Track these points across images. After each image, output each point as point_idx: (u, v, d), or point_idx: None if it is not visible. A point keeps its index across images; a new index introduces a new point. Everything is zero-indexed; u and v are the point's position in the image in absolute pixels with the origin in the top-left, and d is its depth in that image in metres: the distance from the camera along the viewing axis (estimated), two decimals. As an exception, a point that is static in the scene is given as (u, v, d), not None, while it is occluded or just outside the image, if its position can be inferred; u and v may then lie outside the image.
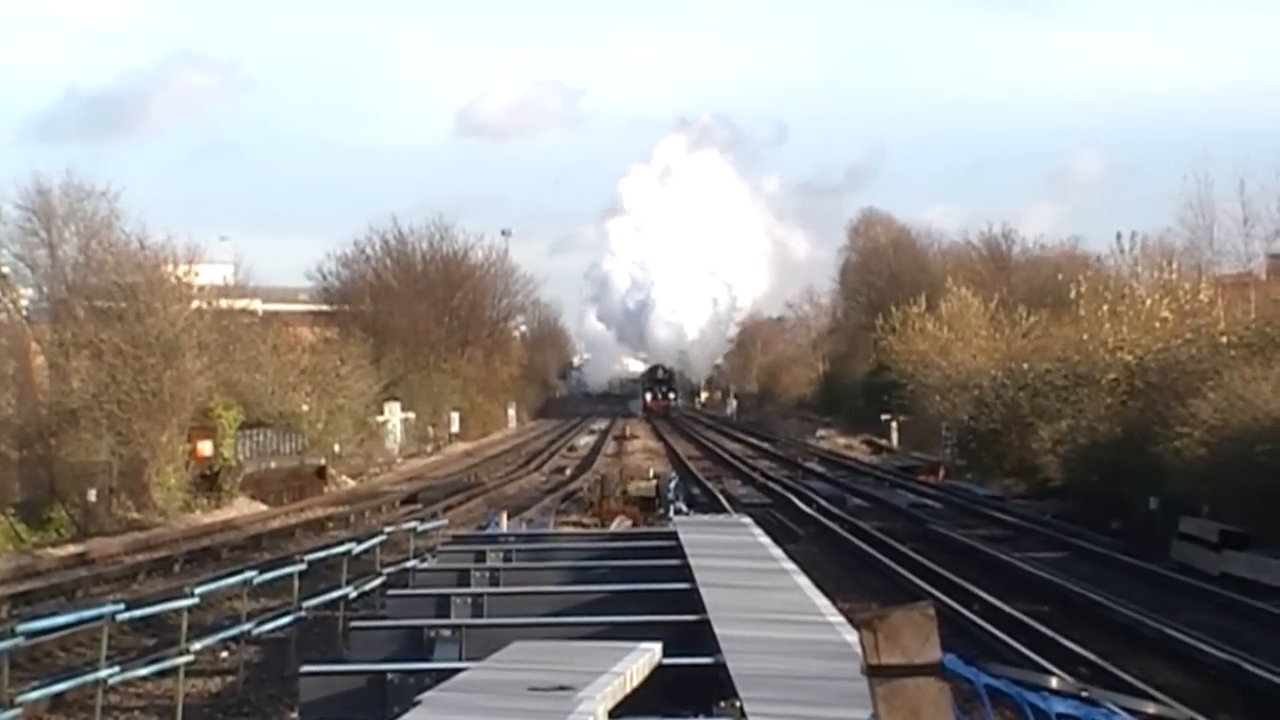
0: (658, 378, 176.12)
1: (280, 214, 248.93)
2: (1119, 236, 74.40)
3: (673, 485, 58.06)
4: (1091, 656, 28.13)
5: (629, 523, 47.10)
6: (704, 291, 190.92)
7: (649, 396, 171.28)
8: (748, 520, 35.79)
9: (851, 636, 15.00)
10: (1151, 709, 2.96)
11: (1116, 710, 2.78)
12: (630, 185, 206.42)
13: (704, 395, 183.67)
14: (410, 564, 33.22)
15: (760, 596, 20.65)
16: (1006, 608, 34.14)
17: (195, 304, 70.55)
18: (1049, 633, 30.91)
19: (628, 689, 13.87)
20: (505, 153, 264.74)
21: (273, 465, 73.29)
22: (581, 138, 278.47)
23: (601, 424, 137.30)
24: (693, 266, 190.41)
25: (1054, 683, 3.15)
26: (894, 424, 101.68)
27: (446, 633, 19.35)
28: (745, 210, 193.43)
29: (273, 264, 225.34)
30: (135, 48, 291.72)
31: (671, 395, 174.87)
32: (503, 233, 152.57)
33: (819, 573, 27.06)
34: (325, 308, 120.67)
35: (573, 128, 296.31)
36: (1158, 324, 58.85)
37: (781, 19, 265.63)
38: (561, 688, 13.11)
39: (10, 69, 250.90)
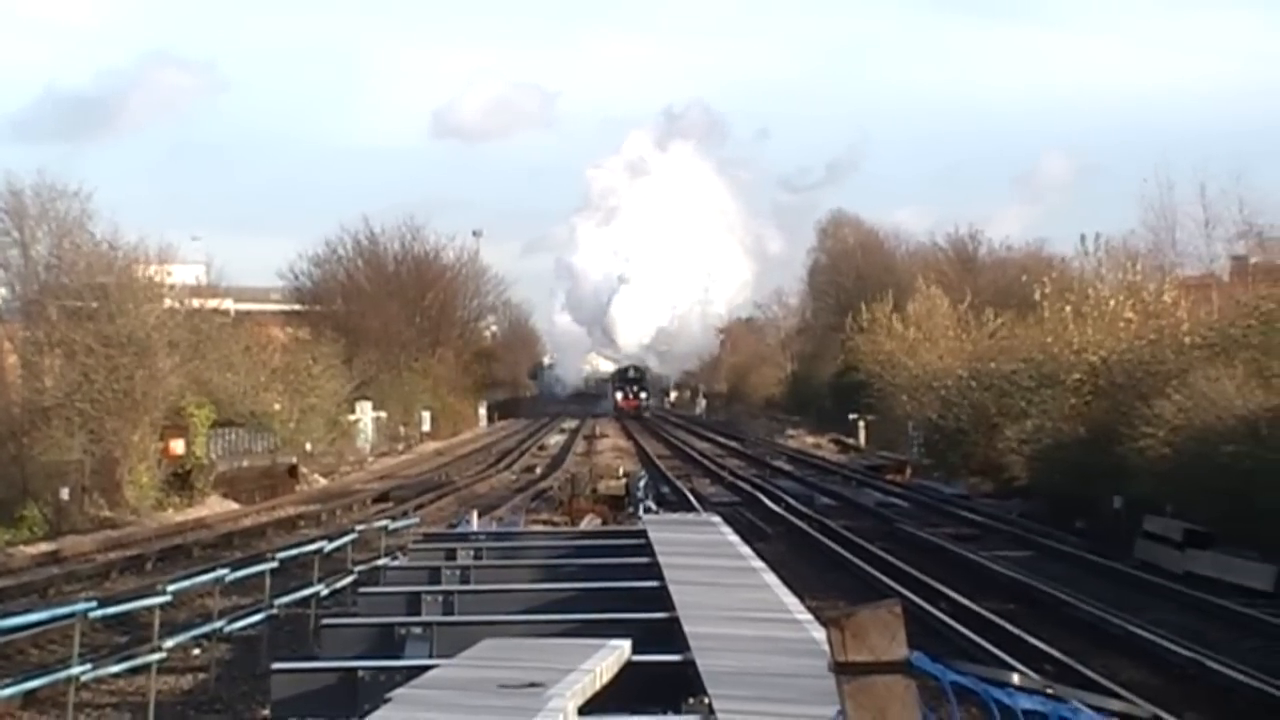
0: (628, 377, 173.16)
1: (253, 214, 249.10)
2: (1083, 239, 74.69)
3: (642, 484, 58.08)
4: (1057, 654, 28.19)
5: (599, 521, 47.15)
6: (676, 288, 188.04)
7: (619, 396, 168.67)
8: (717, 519, 35.82)
9: (819, 634, 15.02)
10: (1116, 706, 2.97)
11: (1081, 707, 2.79)
12: (600, 177, 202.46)
13: (674, 395, 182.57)
14: (381, 562, 33.22)
15: (729, 594, 20.67)
16: (973, 606, 34.19)
17: (167, 303, 70.56)
18: (1015, 630, 30.96)
19: (597, 686, 13.88)
20: (481, 154, 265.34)
21: (245, 464, 73.21)
22: (558, 139, 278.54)
23: (572, 423, 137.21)
24: (665, 263, 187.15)
25: (1019, 680, 3.16)
26: (861, 423, 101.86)
27: (417, 630, 19.35)
28: (721, 206, 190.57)
29: (245, 264, 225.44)
30: (113, 47, 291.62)
31: (643, 395, 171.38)
32: (474, 233, 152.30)
33: (787, 571, 27.08)
34: (297, 307, 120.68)
35: (548, 129, 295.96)
36: (1122, 325, 58.99)
37: (755, 21, 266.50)
38: (532, 685, 13.11)
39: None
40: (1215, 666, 27.26)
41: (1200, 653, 28.46)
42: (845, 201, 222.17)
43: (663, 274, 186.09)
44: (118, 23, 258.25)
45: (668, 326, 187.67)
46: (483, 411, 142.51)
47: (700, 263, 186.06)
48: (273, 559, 33.47)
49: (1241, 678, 26.28)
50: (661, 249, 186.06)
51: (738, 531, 32.10)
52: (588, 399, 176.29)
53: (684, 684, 14.41)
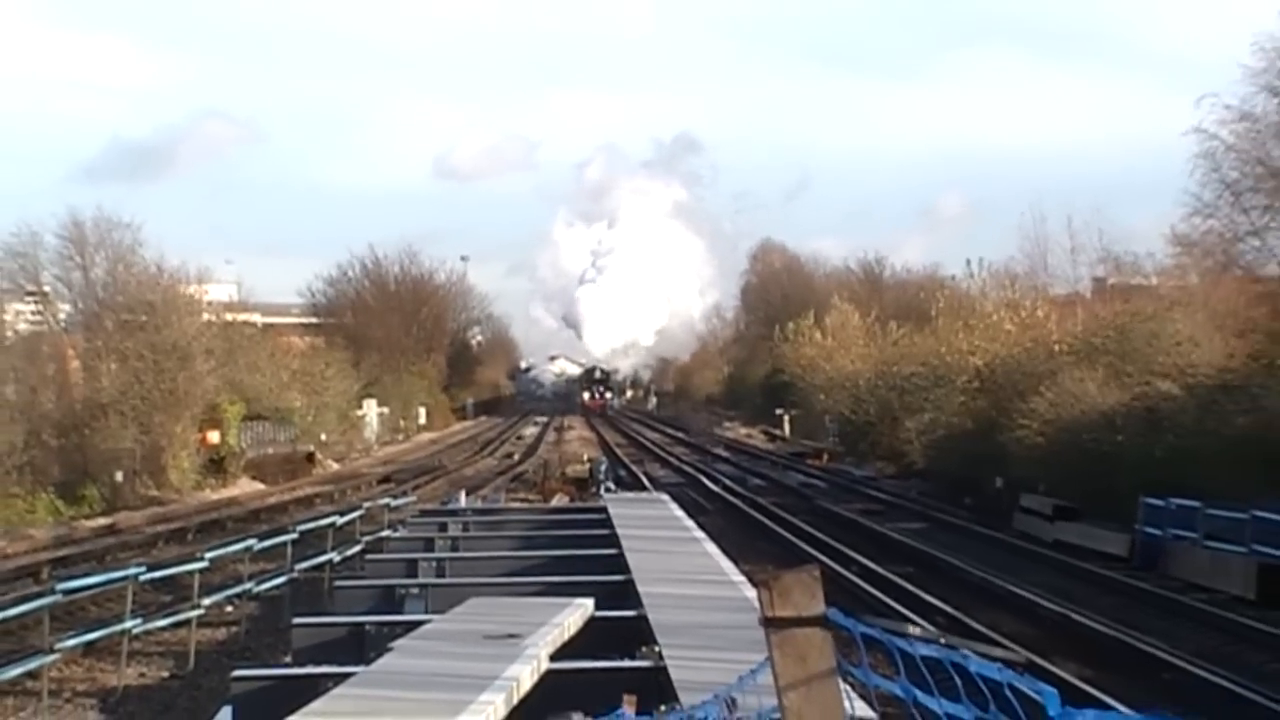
0: (594, 378, 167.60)
1: (278, 242, 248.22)
2: (969, 263, 74.92)
3: (603, 468, 58.06)
4: (949, 609, 28.25)
5: (567, 499, 47.04)
6: (636, 300, 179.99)
7: (586, 396, 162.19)
8: (665, 497, 35.84)
9: (751, 593, 15.02)
10: (997, 653, 2.97)
11: (969, 654, 2.79)
12: (569, 209, 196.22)
13: (629, 393, 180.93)
14: (385, 533, 33.14)
15: (676, 560, 20.67)
16: (879, 569, 34.25)
17: (205, 317, 70.74)
18: (914, 589, 31.02)
19: (566, 637, 13.86)
20: (472, 192, 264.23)
21: (270, 451, 73.00)
22: (538, 180, 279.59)
23: (545, 418, 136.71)
24: (627, 278, 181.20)
25: (917, 631, 3.16)
26: (786, 417, 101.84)
27: (415, 590, 19.31)
28: (680, 232, 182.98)
29: (270, 283, 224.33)
30: (170, 105, 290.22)
31: (608, 394, 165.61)
32: (462, 258, 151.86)
33: (725, 540, 27.09)
34: (314, 320, 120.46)
35: (530, 171, 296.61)
36: (1002, 335, 59.16)
37: (700, 81, 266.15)
38: (511, 636, 13.08)
39: (63, 122, 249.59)
40: (1080, 619, 27.36)
41: (1068, 608, 28.55)
42: (773, 231, 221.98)
43: (624, 288, 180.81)
44: (174, 84, 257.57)
45: (626, 335, 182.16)
46: (470, 405, 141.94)
47: (660, 277, 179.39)
48: (293, 531, 33.42)
49: (1101, 628, 26.38)
50: (624, 267, 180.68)
51: (683, 507, 32.12)
52: (559, 398, 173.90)
53: (638, 635, 14.39)
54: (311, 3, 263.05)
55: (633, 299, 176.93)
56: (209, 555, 29.19)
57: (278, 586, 31.16)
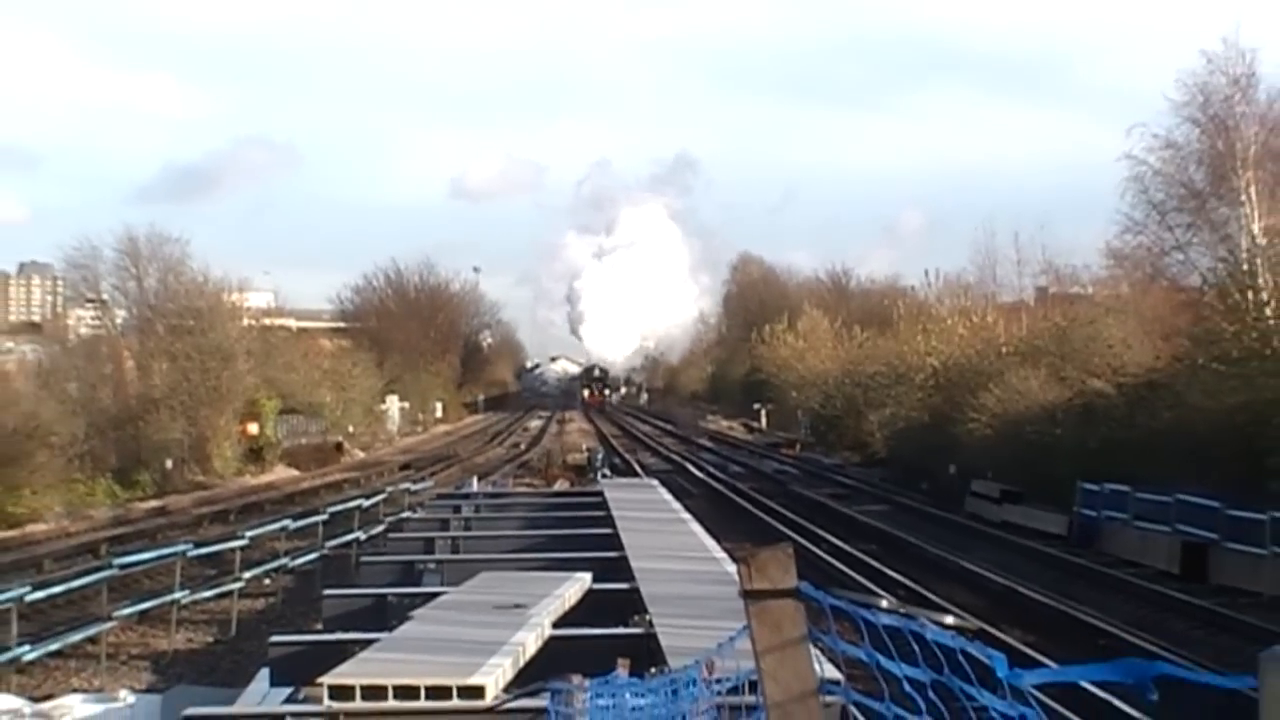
0: (594, 376, 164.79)
1: (310, 255, 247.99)
2: (927, 273, 74.98)
3: (600, 456, 58.10)
4: (908, 582, 28.27)
5: (567, 484, 47.02)
6: (631, 304, 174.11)
7: (586, 393, 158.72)
8: (655, 482, 35.80)
9: (731, 568, 15.02)
10: (950, 620, 2.97)
11: (927, 623, 2.79)
12: (571, 219, 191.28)
13: (622, 390, 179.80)
14: (405, 514, 33.14)
15: (664, 538, 20.65)
16: (845, 546, 34.27)
17: (245, 322, 70.82)
18: (877, 565, 31.05)
19: (566, 607, 13.86)
20: (485, 211, 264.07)
21: (302, 441, 73.04)
22: (545, 199, 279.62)
23: (548, 413, 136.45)
24: (624, 284, 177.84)
25: (883, 603, 3.16)
26: (763, 411, 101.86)
27: (432, 565, 19.29)
28: (673, 241, 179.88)
29: (303, 292, 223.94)
30: (217, 133, 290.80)
31: (606, 391, 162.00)
32: (474, 269, 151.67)
33: (708, 521, 27.07)
34: (342, 325, 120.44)
35: (538, 192, 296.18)
36: (956, 338, 59.18)
37: (692, 110, 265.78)
38: (517, 606, 13.07)
39: (121, 150, 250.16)
40: (1024, 591, 27.39)
41: (1013, 581, 28.59)
42: (756, 243, 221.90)
43: (621, 297, 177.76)
44: (220, 114, 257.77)
45: (625, 340, 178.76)
46: (480, 401, 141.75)
47: (653, 287, 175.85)
48: (324, 512, 33.47)
49: (1043, 599, 26.41)
50: (620, 279, 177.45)
51: (671, 491, 32.10)
52: (561, 395, 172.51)
53: (631, 605, 14.39)
54: (343, 40, 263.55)
55: (629, 303, 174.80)
56: (249, 534, 29.20)
57: (310, 562, 31.19)
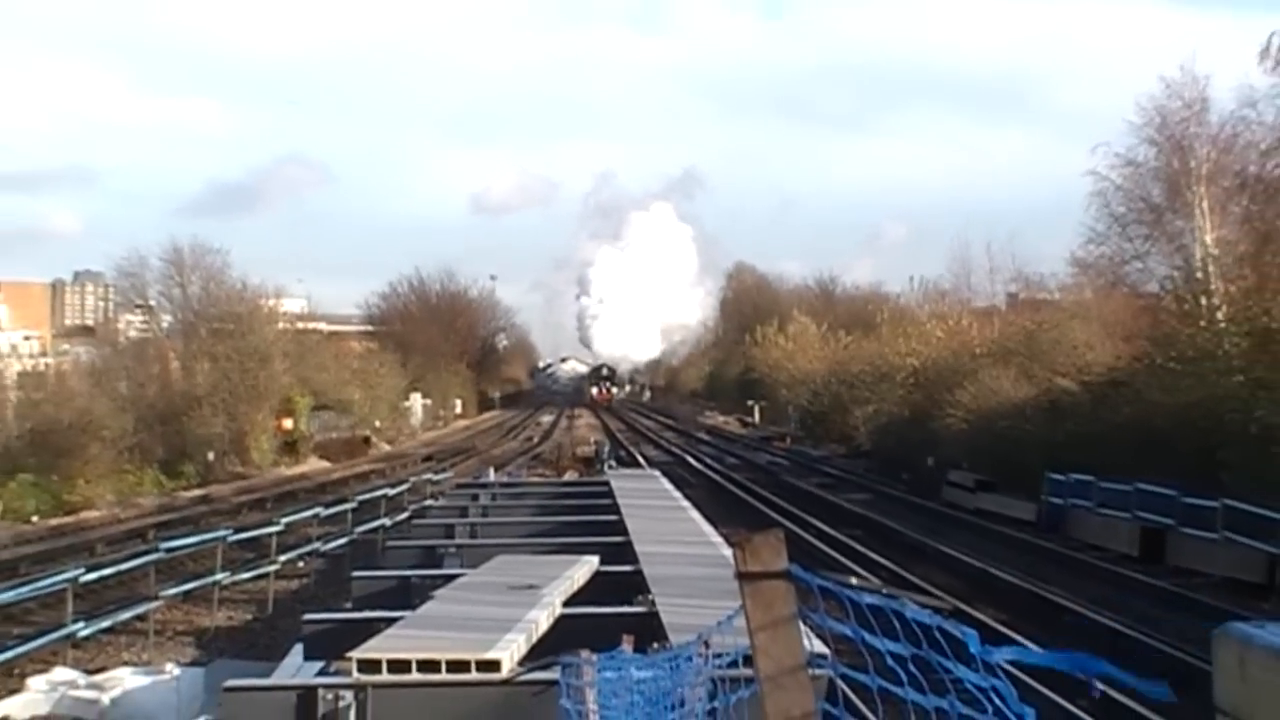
0: (602, 375, 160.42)
1: (341, 264, 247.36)
2: (910, 279, 75.03)
3: (606, 449, 58.01)
4: (889, 565, 28.27)
5: (576, 474, 46.98)
6: (640, 309, 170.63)
7: (594, 390, 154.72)
8: (657, 473, 35.84)
9: (728, 552, 15.00)
10: (929, 600, 2.97)
11: (907, 602, 2.79)
12: (580, 228, 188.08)
13: (626, 388, 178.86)
14: (427, 502, 33.10)
15: (666, 524, 20.65)
16: (832, 532, 34.27)
17: (281, 326, 70.85)
18: (861, 549, 31.05)
19: (575, 588, 13.85)
20: (502, 224, 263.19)
21: (333, 435, 73.04)
22: (557, 213, 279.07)
23: (558, 410, 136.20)
24: (632, 291, 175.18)
25: (869, 584, 3.16)
26: (756, 407, 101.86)
27: (452, 549, 19.29)
28: (683, 243, 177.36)
29: (334, 298, 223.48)
30: (258, 152, 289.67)
31: (613, 389, 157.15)
32: (491, 277, 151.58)
33: (706, 508, 27.07)
34: (369, 328, 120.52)
35: (551, 207, 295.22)
36: (933, 340, 59.19)
37: (694, 131, 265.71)
38: (530, 586, 13.07)
39: (168, 169, 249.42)
40: (996, 573, 27.39)
41: (986, 564, 28.59)
42: (753, 252, 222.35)
43: (630, 299, 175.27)
44: (260, 135, 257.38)
45: (632, 341, 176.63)
46: (496, 398, 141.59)
47: (662, 290, 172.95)
48: (353, 501, 33.49)
49: (1014, 580, 26.41)
50: (630, 282, 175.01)
51: (672, 481, 32.10)
52: (571, 392, 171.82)
53: (635, 586, 14.38)
54: (374, 68, 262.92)
55: (638, 302, 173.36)
56: (284, 520, 29.24)
57: (340, 546, 31.21)
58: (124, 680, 16.27)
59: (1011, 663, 2.65)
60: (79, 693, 15.92)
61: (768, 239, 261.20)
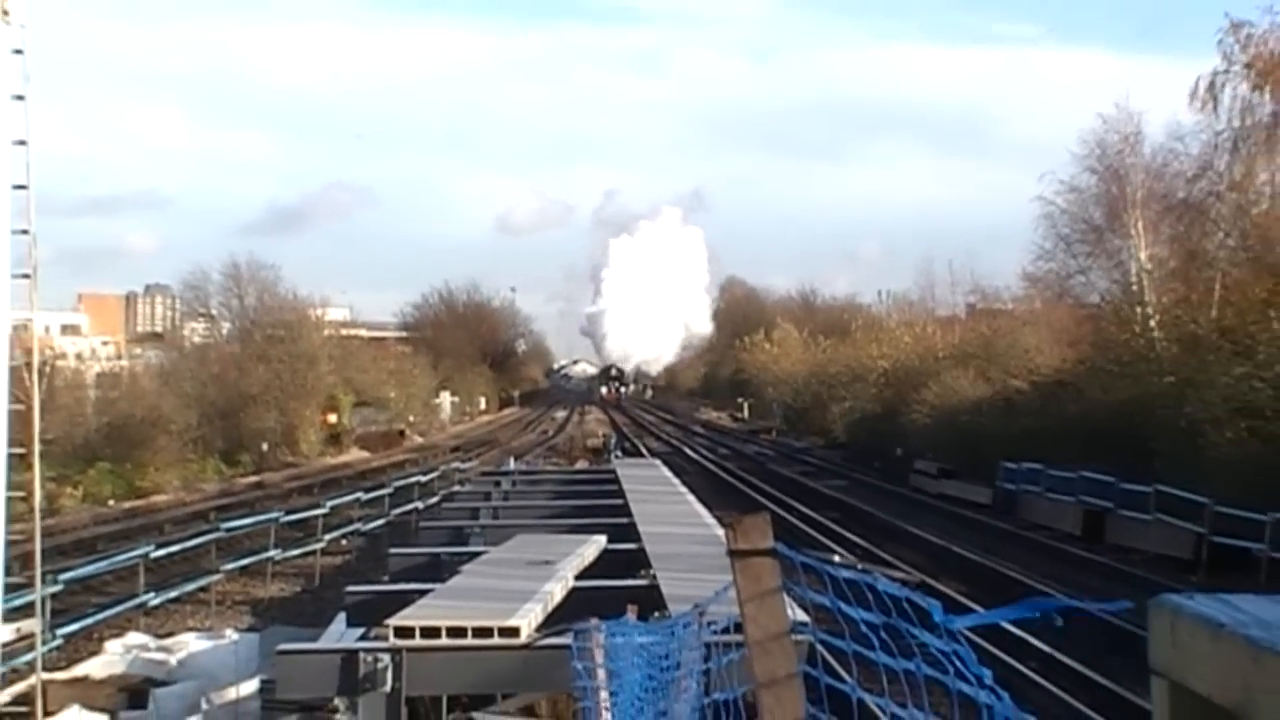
0: (611, 375, 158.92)
1: (380, 277, 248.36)
2: (880, 293, 75.06)
3: (613, 441, 58.12)
4: (864, 544, 28.25)
5: (586, 463, 47.00)
6: (650, 317, 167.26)
7: (604, 390, 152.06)
8: (658, 462, 35.82)
9: (720, 532, 15.01)
10: (898, 574, 2.98)
11: (880, 577, 2.79)
12: (614, 249, 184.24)
13: (631, 386, 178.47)
14: (455, 488, 33.10)
15: (665, 508, 20.65)
16: (812, 514, 34.24)
17: (326, 333, 70.98)
18: (838, 529, 31.02)
19: (586, 564, 13.86)
20: (524, 243, 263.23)
21: (372, 428, 72.98)
22: (573, 234, 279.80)
23: (571, 406, 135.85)
24: (642, 300, 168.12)
25: (846, 560, 3.17)
26: (745, 404, 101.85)
27: (477, 529, 19.30)
28: (692, 252, 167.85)
29: (374, 307, 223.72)
30: (310, 178, 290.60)
31: (622, 389, 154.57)
32: (511, 289, 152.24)
33: (701, 493, 27.06)
34: (404, 334, 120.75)
35: (567, 228, 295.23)
36: (902, 345, 59.22)
37: (689, 159, 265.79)
38: (546, 562, 13.08)
39: (232, 192, 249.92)
40: (958, 550, 27.38)
41: (949, 543, 28.57)
42: (746, 267, 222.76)
43: (639, 308, 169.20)
44: (311, 163, 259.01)
45: (641, 345, 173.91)
46: (516, 396, 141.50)
47: (671, 300, 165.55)
48: (390, 486, 33.49)
49: (974, 557, 26.39)
50: (640, 292, 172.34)
51: (671, 469, 32.09)
52: (584, 391, 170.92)
53: (639, 562, 14.38)
54: (412, 104, 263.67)
55: (640, 314, 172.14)
56: (329, 504, 29.24)
57: (378, 526, 31.22)
58: (189, 644, 16.31)
59: (974, 628, 2.65)
60: (150, 654, 15.96)
61: (757, 254, 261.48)
